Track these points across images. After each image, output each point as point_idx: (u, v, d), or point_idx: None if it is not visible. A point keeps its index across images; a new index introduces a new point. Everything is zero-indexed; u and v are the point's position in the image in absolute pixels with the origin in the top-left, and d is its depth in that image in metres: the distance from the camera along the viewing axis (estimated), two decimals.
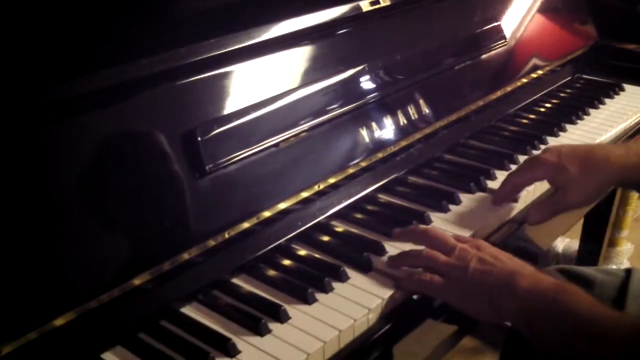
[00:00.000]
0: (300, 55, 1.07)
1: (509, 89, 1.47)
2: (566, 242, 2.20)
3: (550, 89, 1.61)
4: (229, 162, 0.93)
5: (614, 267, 1.82)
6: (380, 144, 1.15)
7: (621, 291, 1.10)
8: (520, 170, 1.13)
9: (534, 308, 0.84)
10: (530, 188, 1.15)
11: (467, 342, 2.06)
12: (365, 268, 0.96)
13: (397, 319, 0.91)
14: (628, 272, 1.14)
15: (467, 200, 1.14)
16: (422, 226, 1.01)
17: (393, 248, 1.00)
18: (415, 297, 0.93)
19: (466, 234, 1.04)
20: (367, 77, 1.15)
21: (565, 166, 1.06)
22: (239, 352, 0.81)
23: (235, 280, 0.94)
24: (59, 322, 0.78)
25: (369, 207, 1.12)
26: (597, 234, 1.93)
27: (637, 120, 1.50)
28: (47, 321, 0.77)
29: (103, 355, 0.82)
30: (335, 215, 1.08)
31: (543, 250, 1.95)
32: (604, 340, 0.78)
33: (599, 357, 0.79)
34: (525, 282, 0.85)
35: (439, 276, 0.90)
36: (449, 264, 0.91)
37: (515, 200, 1.14)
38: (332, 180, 1.08)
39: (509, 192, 1.14)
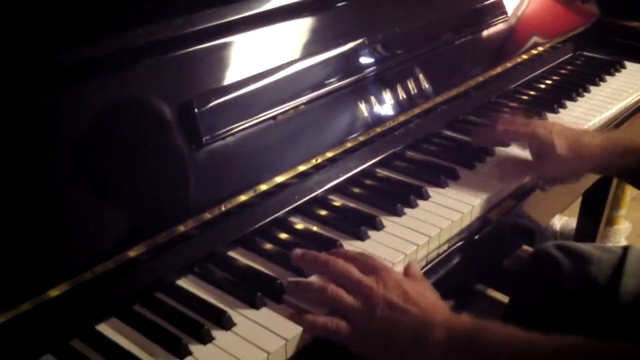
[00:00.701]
0: (299, 28, 1.06)
1: (509, 65, 1.46)
2: (564, 220, 2.20)
3: (551, 65, 1.60)
4: (226, 134, 0.92)
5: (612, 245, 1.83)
6: (378, 119, 1.14)
7: (617, 268, 1.10)
8: (509, 128, 1.14)
9: (451, 357, 0.77)
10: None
11: None
12: (362, 240, 0.96)
13: None
14: (625, 249, 1.14)
15: (465, 176, 1.13)
16: (324, 256, 0.87)
17: (390, 222, 1.00)
18: None
19: (464, 209, 1.04)
20: (366, 50, 1.14)
21: (552, 140, 1.07)
22: (234, 324, 0.81)
23: (231, 253, 0.94)
24: (54, 293, 0.78)
25: (367, 182, 1.11)
26: (595, 212, 1.93)
27: (637, 98, 1.49)
28: (41, 292, 0.76)
29: (98, 327, 0.82)
30: (333, 189, 1.08)
31: (541, 228, 1.95)
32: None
33: None
34: (439, 334, 0.77)
35: (344, 321, 0.81)
36: (354, 308, 0.80)
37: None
38: (330, 154, 1.07)
39: (487, 139, 1.17)
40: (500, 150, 1.20)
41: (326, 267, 0.86)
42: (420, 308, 0.80)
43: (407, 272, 0.89)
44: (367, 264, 0.85)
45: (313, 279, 0.87)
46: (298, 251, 0.88)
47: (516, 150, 1.18)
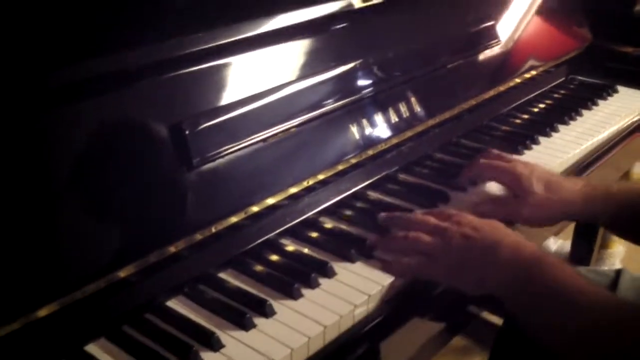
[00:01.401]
0: (292, 51, 1.07)
1: (502, 88, 1.47)
2: (559, 243, 2.20)
3: (544, 89, 1.62)
4: (217, 156, 0.93)
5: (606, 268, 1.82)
6: (370, 141, 1.15)
7: (611, 291, 1.10)
8: (491, 166, 1.13)
9: (513, 278, 0.86)
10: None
11: (457, 342, 2.06)
12: (352, 262, 0.96)
13: (384, 316, 0.91)
14: (618, 272, 1.14)
15: (456, 198, 1.13)
16: (404, 215, 1.03)
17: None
18: (402, 291, 0.93)
19: None
20: (359, 73, 1.15)
21: (532, 181, 1.07)
22: (223, 346, 0.81)
23: (221, 275, 0.94)
24: (43, 312, 0.78)
25: (358, 204, 1.12)
26: (589, 236, 1.93)
27: (630, 122, 1.50)
28: (30, 311, 0.76)
29: (87, 347, 0.82)
30: (323, 212, 1.08)
31: None
32: (580, 313, 0.80)
33: (566, 326, 0.81)
34: (506, 253, 0.87)
35: (426, 257, 0.92)
36: (433, 244, 0.92)
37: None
38: (321, 177, 1.08)
39: (470, 178, 1.16)
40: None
41: (408, 221, 1.00)
42: (491, 232, 0.91)
43: (478, 213, 1.00)
44: (443, 213, 1.00)
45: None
46: (383, 214, 1.04)
47: (493, 187, 1.17)
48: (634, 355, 0.76)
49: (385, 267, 0.94)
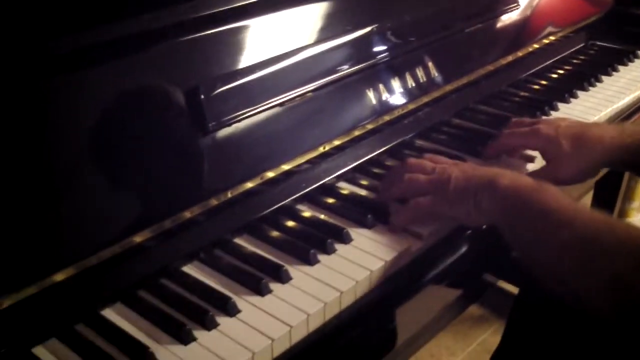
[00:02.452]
0: (309, 14, 1.05)
1: (520, 54, 1.45)
2: None
3: (563, 55, 1.59)
4: (233, 120, 0.92)
5: None
6: (387, 107, 1.14)
7: None
8: (515, 134, 1.11)
9: (512, 205, 0.86)
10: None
11: (473, 311, 2.06)
12: (369, 229, 0.95)
13: (400, 282, 0.90)
14: None
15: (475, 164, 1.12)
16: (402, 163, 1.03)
17: None
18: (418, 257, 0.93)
19: None
20: (376, 37, 1.13)
21: (559, 140, 1.04)
22: (239, 311, 0.81)
23: (237, 240, 0.94)
24: (59, 277, 0.78)
25: (375, 170, 1.11)
26: (608, 205, 1.92)
27: None
28: (46, 276, 0.76)
29: (103, 312, 0.82)
30: (340, 178, 1.07)
31: None
32: (569, 227, 0.79)
33: (564, 245, 0.79)
34: (505, 181, 0.87)
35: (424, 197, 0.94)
36: (432, 180, 0.94)
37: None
38: (337, 142, 1.07)
39: (497, 151, 1.13)
40: None
41: (405, 165, 1.00)
42: (488, 170, 0.92)
43: None
44: (439, 159, 1.01)
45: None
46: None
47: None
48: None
49: (393, 218, 0.95)
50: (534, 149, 1.10)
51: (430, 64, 1.22)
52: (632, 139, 1.04)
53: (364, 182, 1.08)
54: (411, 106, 1.19)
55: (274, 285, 0.84)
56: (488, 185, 0.89)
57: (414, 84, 1.18)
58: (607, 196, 1.91)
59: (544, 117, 1.22)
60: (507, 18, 1.40)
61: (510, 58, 1.42)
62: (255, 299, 0.83)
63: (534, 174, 1.08)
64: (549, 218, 0.81)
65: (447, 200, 0.92)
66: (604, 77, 1.48)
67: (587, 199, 1.95)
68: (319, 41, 1.04)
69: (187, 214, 0.89)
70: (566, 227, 0.79)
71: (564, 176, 1.05)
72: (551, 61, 1.55)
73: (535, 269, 0.85)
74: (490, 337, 2.02)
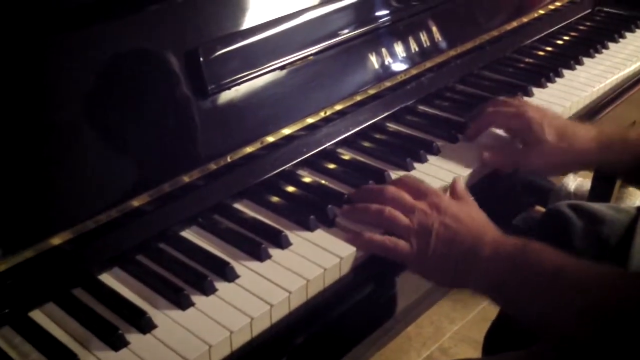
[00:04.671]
0: None
1: (525, 20, 1.43)
2: (578, 181, 2.17)
3: (569, 21, 1.56)
4: (232, 83, 0.90)
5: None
6: (390, 71, 1.12)
7: (630, 229, 1.08)
8: (499, 113, 1.07)
9: (499, 275, 0.81)
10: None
11: None
12: None
13: None
14: (639, 210, 1.11)
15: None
16: (378, 186, 0.93)
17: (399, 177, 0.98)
18: None
19: (474, 165, 1.02)
20: (379, 1, 1.11)
21: (544, 127, 1.00)
22: (238, 276, 0.80)
23: (236, 205, 0.93)
24: (56, 241, 0.77)
25: (377, 136, 1.09)
26: (607, 190, 1.90)
27: None
28: (43, 239, 0.76)
29: (100, 277, 0.81)
30: (341, 143, 1.06)
31: (555, 188, 1.93)
32: (576, 293, 0.75)
33: (571, 311, 0.75)
34: (487, 251, 0.81)
35: (400, 240, 0.85)
36: (411, 229, 0.85)
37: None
38: (338, 107, 1.05)
39: (479, 130, 1.09)
40: None
41: (380, 195, 0.90)
42: (471, 228, 0.84)
43: (453, 191, 0.94)
44: (419, 190, 0.90)
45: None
46: (352, 192, 0.95)
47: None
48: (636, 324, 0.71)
49: (352, 239, 0.86)
50: (515, 130, 1.06)
51: (434, 29, 1.20)
52: (612, 140, 1.01)
53: (365, 147, 1.06)
54: (414, 71, 1.17)
55: (273, 251, 0.84)
56: (470, 255, 0.82)
57: (417, 49, 1.16)
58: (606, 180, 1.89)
59: (525, 98, 1.19)
60: None
61: (515, 24, 1.40)
62: (254, 264, 0.82)
63: (507, 152, 1.05)
64: (547, 282, 0.77)
65: (424, 264, 0.85)
66: (610, 44, 1.46)
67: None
68: (321, 3, 1.02)
69: (186, 178, 0.87)
70: (572, 291, 0.75)
71: (536, 165, 1.03)
72: (556, 27, 1.52)
73: (536, 326, 0.81)
74: (490, 305, 2.01)
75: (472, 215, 0.87)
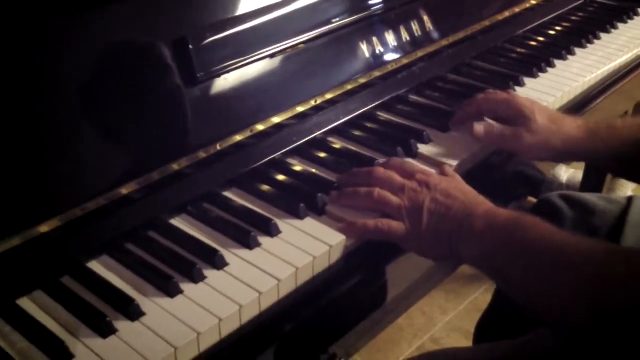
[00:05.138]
0: None
1: (517, 9, 1.43)
2: (570, 172, 2.17)
3: (561, 11, 1.56)
4: (222, 71, 0.90)
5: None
6: (381, 60, 1.12)
7: (620, 219, 1.08)
8: (489, 99, 1.07)
9: (491, 248, 0.80)
10: None
11: (464, 269, 2.06)
12: None
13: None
14: (629, 199, 1.11)
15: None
16: (366, 168, 0.93)
17: None
18: None
19: (465, 154, 1.02)
20: None
21: (534, 114, 1.01)
22: (226, 264, 0.80)
23: (226, 193, 0.92)
24: (43, 228, 0.77)
25: (368, 124, 1.09)
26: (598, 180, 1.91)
27: None
28: (30, 226, 0.75)
29: (88, 264, 0.80)
30: (332, 131, 1.05)
31: (547, 179, 1.93)
32: (567, 268, 0.74)
33: (563, 286, 0.74)
34: (480, 223, 0.81)
35: (391, 220, 0.86)
36: (402, 207, 0.86)
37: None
38: (329, 96, 1.05)
39: (468, 116, 1.08)
40: None
41: (369, 177, 0.90)
42: (462, 201, 0.85)
43: (441, 171, 0.94)
44: (405, 170, 0.91)
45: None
46: (340, 175, 0.95)
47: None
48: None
49: (344, 228, 0.86)
50: (505, 116, 1.05)
51: (425, 18, 1.19)
52: (599, 127, 1.02)
53: (356, 136, 1.06)
54: (405, 60, 1.17)
55: (263, 239, 0.83)
56: (462, 229, 0.82)
57: (408, 38, 1.16)
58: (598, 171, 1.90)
59: (516, 88, 1.19)
60: None
61: (506, 13, 1.40)
62: (244, 252, 0.82)
63: (499, 132, 1.04)
64: (544, 255, 0.76)
65: (418, 241, 0.85)
66: (602, 34, 1.45)
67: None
68: None
69: (175, 166, 0.87)
70: (567, 268, 0.74)
71: (528, 144, 1.02)
72: (549, 17, 1.52)
73: (528, 303, 0.80)
74: (481, 295, 2.02)
75: (462, 190, 0.87)
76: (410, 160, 0.99)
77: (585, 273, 0.73)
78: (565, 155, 1.07)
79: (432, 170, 0.93)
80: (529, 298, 0.79)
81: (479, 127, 1.03)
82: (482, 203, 0.85)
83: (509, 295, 0.83)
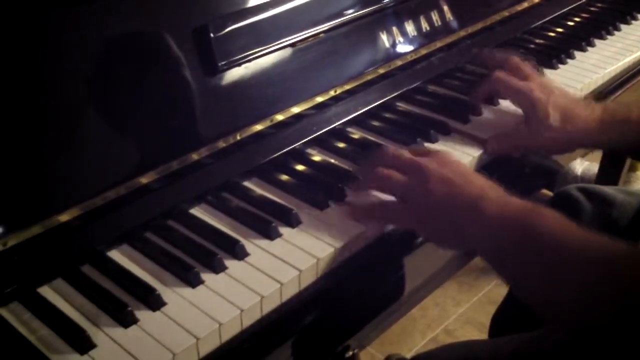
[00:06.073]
0: None
1: (536, 0, 1.41)
2: (585, 165, 2.16)
3: (580, 2, 1.54)
4: (242, 60, 0.89)
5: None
6: (400, 51, 1.11)
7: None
8: (507, 85, 1.03)
9: (501, 235, 0.76)
10: None
11: (478, 262, 2.05)
12: None
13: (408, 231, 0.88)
14: None
15: (489, 111, 1.10)
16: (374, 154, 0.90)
17: None
18: None
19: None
20: None
21: (548, 109, 0.98)
22: (247, 254, 0.79)
23: (246, 184, 0.92)
24: (64, 217, 0.77)
25: (387, 115, 1.08)
26: (618, 158, 1.89)
27: None
28: (51, 215, 0.75)
29: (109, 253, 0.80)
30: (351, 122, 1.05)
31: (562, 171, 1.92)
32: (584, 264, 0.70)
33: (582, 285, 0.69)
34: (492, 208, 0.76)
35: (397, 201, 0.84)
36: (407, 184, 0.82)
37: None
38: (348, 87, 1.04)
39: (485, 93, 1.08)
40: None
41: (379, 155, 0.87)
42: (475, 184, 0.80)
43: None
44: (417, 150, 0.87)
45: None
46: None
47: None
48: None
49: (350, 213, 0.85)
50: (519, 107, 1.03)
51: (445, 8, 1.18)
52: (615, 118, 0.99)
53: (375, 127, 1.05)
54: (424, 51, 1.16)
55: (284, 229, 0.83)
56: (471, 210, 0.78)
57: (427, 28, 1.15)
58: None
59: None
60: None
61: (525, 4, 1.38)
62: (264, 243, 0.81)
63: (506, 135, 1.03)
64: (559, 252, 0.72)
65: (422, 220, 0.82)
66: (622, 26, 1.44)
67: (598, 151, 1.93)
68: None
69: (195, 156, 0.87)
70: (581, 264, 0.70)
71: (540, 147, 1.01)
72: (568, 8, 1.50)
73: (533, 299, 0.76)
74: (495, 288, 2.02)
75: (473, 174, 0.83)
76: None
77: (610, 272, 0.69)
78: (577, 146, 1.05)
79: (443, 153, 0.88)
80: (537, 295, 0.75)
81: (490, 147, 1.01)
82: (496, 189, 0.80)
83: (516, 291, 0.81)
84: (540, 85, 1.01)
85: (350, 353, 1.00)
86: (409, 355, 1.44)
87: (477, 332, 1.87)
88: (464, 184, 0.80)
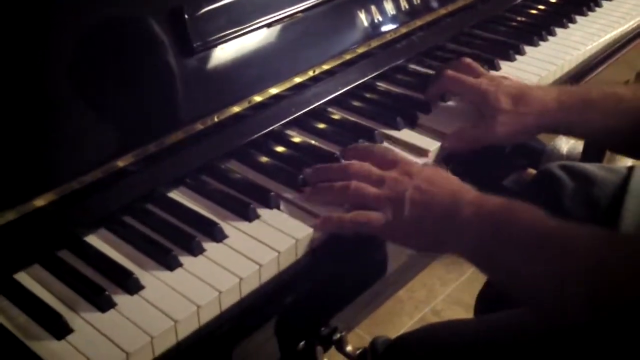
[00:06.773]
0: None
1: None
2: (571, 144, 2.15)
3: None
4: (218, 41, 0.88)
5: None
6: (379, 30, 1.10)
7: (621, 188, 1.07)
8: (458, 82, 1.02)
9: (481, 236, 0.76)
10: None
11: None
12: None
13: None
14: (630, 169, 1.10)
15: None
16: (336, 164, 0.88)
17: (390, 136, 0.96)
18: None
19: (465, 124, 1.00)
20: None
21: (498, 97, 0.97)
22: (226, 236, 0.79)
23: (224, 166, 0.91)
24: (39, 202, 0.76)
25: (367, 95, 1.08)
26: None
27: None
28: (25, 200, 0.74)
29: (86, 238, 0.80)
30: (331, 102, 1.04)
31: (547, 149, 1.92)
32: (564, 257, 0.70)
33: (559, 276, 0.70)
34: (468, 211, 0.77)
35: (372, 213, 0.81)
36: (382, 197, 0.81)
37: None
38: (327, 67, 1.04)
39: (438, 92, 1.06)
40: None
41: (343, 173, 0.85)
42: (448, 189, 0.80)
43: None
44: (386, 159, 0.86)
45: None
46: (307, 170, 0.88)
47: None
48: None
49: (319, 224, 0.81)
50: (471, 102, 1.03)
51: None
52: (574, 98, 0.98)
53: (356, 107, 1.05)
54: (404, 30, 1.15)
55: (262, 211, 0.83)
56: (448, 217, 0.78)
57: (407, 7, 1.14)
58: None
59: (491, 72, 1.15)
60: None
61: None
62: (243, 225, 0.81)
63: (465, 130, 1.01)
64: (535, 243, 0.73)
65: (401, 231, 0.81)
66: (604, 2, 1.43)
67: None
68: None
69: (172, 138, 0.86)
70: (562, 255, 0.71)
71: (500, 134, 0.99)
72: None
73: (517, 294, 0.77)
74: None
75: (447, 178, 0.83)
76: (392, 147, 0.96)
77: (585, 262, 0.70)
78: (541, 131, 1.04)
79: (415, 160, 0.89)
80: (519, 288, 0.76)
81: (447, 143, 0.99)
82: (469, 191, 0.80)
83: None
84: (490, 78, 1.02)
85: (338, 335, 1.00)
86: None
87: (465, 312, 1.87)
88: (438, 192, 0.80)
